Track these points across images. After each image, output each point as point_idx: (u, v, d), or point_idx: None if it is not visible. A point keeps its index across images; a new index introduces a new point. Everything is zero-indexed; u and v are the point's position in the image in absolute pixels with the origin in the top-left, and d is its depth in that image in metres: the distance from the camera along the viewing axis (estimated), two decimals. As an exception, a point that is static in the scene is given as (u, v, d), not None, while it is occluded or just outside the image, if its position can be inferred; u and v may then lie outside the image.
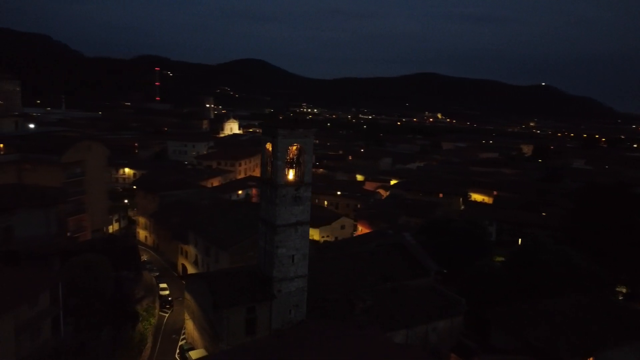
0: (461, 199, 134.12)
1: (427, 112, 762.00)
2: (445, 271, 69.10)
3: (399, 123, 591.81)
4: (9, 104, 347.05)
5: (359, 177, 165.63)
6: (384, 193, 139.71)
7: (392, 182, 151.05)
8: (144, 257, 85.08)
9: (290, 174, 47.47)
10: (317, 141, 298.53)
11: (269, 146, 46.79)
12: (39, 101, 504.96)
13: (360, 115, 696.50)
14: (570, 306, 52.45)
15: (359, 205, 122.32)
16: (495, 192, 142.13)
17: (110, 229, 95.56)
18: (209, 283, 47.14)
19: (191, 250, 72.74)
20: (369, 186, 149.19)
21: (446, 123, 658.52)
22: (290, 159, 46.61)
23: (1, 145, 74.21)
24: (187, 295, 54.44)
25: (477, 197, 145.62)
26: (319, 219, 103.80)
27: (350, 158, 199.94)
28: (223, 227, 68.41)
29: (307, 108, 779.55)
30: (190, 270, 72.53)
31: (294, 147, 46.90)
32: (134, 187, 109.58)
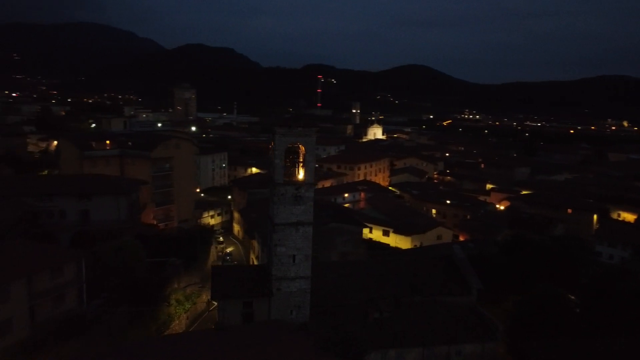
0: (595, 217, 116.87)
1: (609, 120, 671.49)
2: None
3: (571, 131, 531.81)
4: (186, 109, 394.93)
5: (489, 187, 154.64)
6: (506, 205, 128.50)
7: (524, 193, 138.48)
8: (229, 249, 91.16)
9: (301, 174, 47.27)
10: (462, 148, 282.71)
11: (272, 145, 47.14)
12: (219, 107, 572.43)
13: (527, 122, 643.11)
14: (630, 349, 42.65)
15: (468, 216, 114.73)
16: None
17: (213, 221, 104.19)
18: (212, 275, 49.14)
19: (256, 245, 75.97)
20: (495, 197, 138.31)
21: (633, 132, 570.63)
22: (292, 158, 46.44)
23: (108, 141, 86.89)
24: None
25: (626, 215, 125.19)
26: (414, 227, 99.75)
27: (482, 166, 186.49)
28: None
29: (469, 114, 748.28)
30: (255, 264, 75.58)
31: (303, 147, 46.57)
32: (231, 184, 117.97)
